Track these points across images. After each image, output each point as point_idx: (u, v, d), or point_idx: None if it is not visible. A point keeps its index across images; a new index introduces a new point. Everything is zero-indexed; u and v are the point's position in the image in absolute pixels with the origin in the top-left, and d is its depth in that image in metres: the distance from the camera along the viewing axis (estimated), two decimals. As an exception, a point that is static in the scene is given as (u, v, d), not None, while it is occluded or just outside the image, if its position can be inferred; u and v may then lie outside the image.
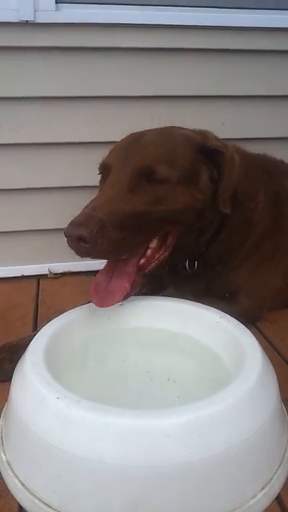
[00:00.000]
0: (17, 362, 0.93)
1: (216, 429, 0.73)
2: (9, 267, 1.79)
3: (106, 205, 1.03)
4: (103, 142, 1.54)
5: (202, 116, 1.70)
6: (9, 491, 0.80)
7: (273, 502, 0.80)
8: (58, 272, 1.82)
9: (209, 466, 0.72)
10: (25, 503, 0.77)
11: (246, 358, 0.88)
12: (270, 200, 1.37)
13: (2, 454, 0.84)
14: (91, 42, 1.59)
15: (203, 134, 1.24)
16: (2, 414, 0.92)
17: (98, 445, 0.71)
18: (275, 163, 1.54)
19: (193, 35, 1.64)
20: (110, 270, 1.11)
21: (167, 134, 1.22)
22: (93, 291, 1.07)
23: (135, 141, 1.19)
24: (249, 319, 1.27)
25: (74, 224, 0.99)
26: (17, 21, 1.50)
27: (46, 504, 0.74)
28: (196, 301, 1.10)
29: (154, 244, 1.16)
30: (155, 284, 1.39)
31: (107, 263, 1.12)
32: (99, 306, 1.04)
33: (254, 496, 0.77)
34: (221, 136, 1.28)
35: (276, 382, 0.89)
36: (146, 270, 1.16)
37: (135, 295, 1.12)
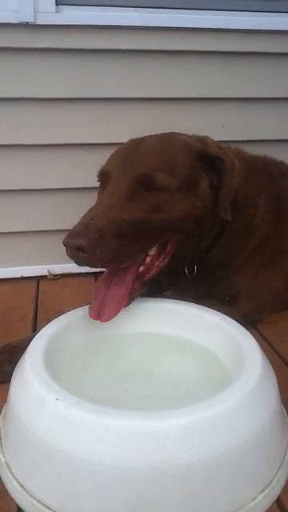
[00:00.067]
0: (16, 364, 0.93)
1: (216, 431, 0.73)
2: (8, 268, 1.78)
3: (105, 214, 1.02)
4: (103, 143, 1.54)
5: (203, 118, 1.70)
6: (7, 492, 0.80)
7: (273, 504, 0.81)
8: (58, 273, 1.81)
9: (209, 468, 0.72)
10: (23, 504, 0.77)
11: (246, 359, 0.88)
12: (270, 204, 1.36)
13: (1, 456, 0.84)
14: (91, 43, 1.59)
15: (203, 141, 1.22)
16: (1, 415, 0.92)
17: (98, 446, 0.71)
18: (276, 165, 1.54)
19: (194, 37, 1.64)
20: (108, 278, 1.10)
21: (166, 141, 1.21)
22: (92, 299, 1.07)
23: (134, 148, 1.18)
24: (249, 322, 1.27)
25: (73, 234, 0.98)
26: (17, 22, 1.50)
27: (44, 505, 0.74)
28: (196, 303, 1.10)
29: (153, 251, 1.15)
30: (154, 286, 1.38)
31: (106, 271, 1.12)
32: (95, 320, 1.04)
33: (254, 498, 0.77)
34: (222, 138, 1.28)
35: (276, 384, 0.89)
36: (146, 278, 1.15)
37: (135, 297, 1.11)
